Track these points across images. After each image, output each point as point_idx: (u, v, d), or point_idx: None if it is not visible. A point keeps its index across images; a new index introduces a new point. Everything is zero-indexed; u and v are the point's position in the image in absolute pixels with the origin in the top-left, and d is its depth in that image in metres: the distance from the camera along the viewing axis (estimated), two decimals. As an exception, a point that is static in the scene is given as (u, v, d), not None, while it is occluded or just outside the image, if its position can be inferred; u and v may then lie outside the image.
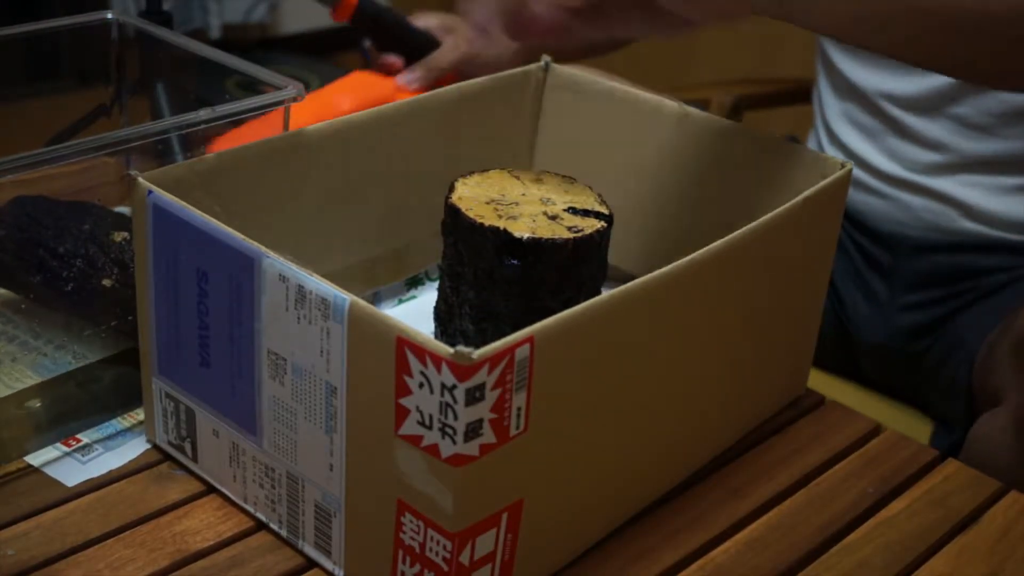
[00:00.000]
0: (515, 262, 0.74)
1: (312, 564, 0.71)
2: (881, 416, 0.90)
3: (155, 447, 0.78)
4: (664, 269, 0.67)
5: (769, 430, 0.86)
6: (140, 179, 0.71)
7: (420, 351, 0.59)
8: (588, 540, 0.73)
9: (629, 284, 0.66)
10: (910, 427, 1.04)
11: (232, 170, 0.76)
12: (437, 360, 0.58)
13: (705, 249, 0.70)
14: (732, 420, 0.83)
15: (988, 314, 1.05)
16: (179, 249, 0.70)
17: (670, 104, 0.89)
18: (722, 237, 0.71)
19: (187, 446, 0.75)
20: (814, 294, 0.86)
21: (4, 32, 0.92)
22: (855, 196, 1.13)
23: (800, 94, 1.42)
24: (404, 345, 0.59)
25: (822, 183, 0.78)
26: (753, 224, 0.73)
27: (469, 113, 0.91)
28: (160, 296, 0.72)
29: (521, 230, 0.74)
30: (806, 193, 0.77)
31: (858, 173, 1.13)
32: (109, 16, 0.97)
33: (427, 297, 0.93)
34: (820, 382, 1.05)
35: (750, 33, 2.45)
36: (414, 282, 0.95)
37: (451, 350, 0.57)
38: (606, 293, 0.65)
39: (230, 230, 0.67)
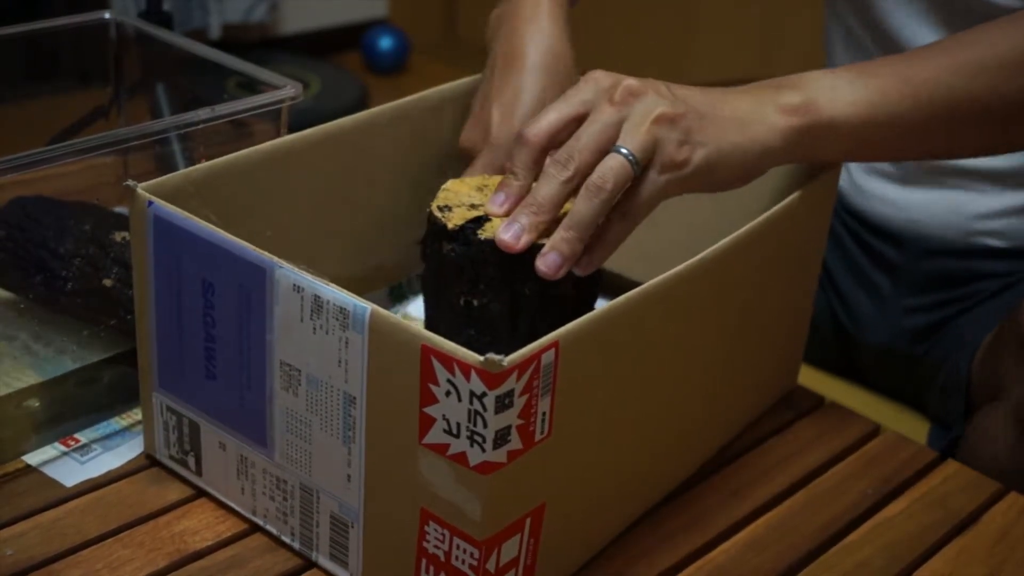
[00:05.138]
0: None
1: (311, 564, 0.71)
2: (881, 417, 0.90)
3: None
4: (675, 270, 0.68)
5: (769, 431, 0.86)
6: (139, 190, 0.70)
7: (447, 359, 0.59)
8: (604, 539, 0.74)
9: (644, 286, 0.66)
10: (909, 428, 1.04)
11: (226, 178, 0.76)
12: (466, 368, 0.58)
13: (711, 249, 0.70)
14: (734, 413, 0.84)
15: (989, 314, 1.05)
16: (183, 261, 0.69)
17: None
18: (713, 235, 0.72)
19: (190, 460, 0.75)
20: (807, 287, 0.88)
21: (4, 32, 0.92)
22: (869, 192, 1.12)
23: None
24: (430, 354, 0.59)
25: (816, 179, 0.80)
26: (755, 223, 0.74)
27: (454, 114, 0.91)
28: (162, 308, 0.72)
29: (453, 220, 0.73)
30: (800, 190, 0.78)
31: (875, 167, 1.12)
32: (107, 16, 0.97)
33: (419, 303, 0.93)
34: (820, 382, 1.05)
35: (750, 32, 2.46)
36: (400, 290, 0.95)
37: (481, 358, 0.57)
38: (623, 296, 0.65)
39: (240, 241, 0.66)
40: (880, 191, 1.10)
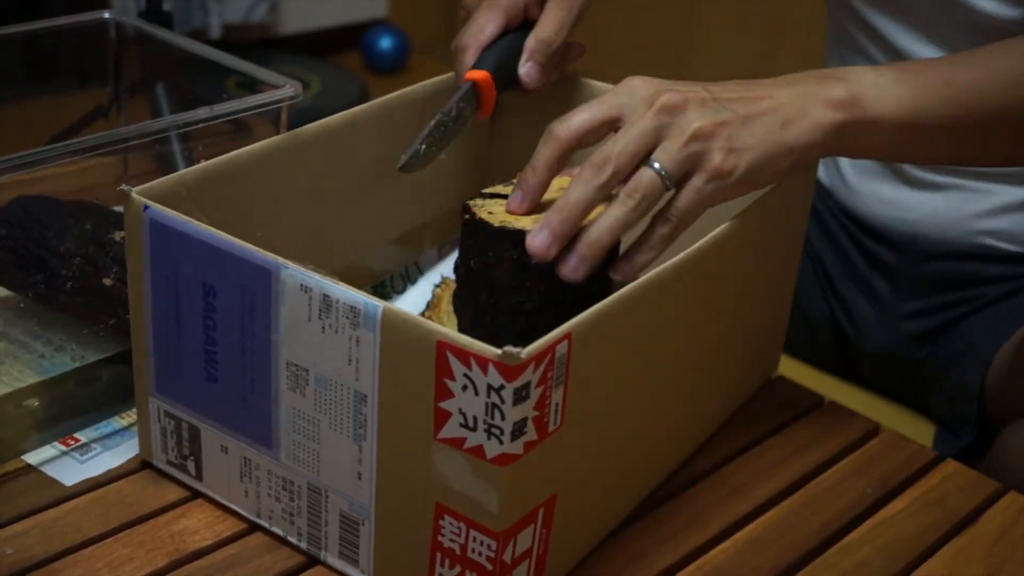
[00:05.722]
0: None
1: (313, 562, 0.71)
2: (880, 417, 0.90)
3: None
4: (675, 260, 0.69)
5: (768, 430, 0.86)
6: (134, 194, 0.70)
7: (464, 354, 0.59)
8: (610, 526, 0.74)
9: (648, 276, 0.67)
10: (909, 428, 1.04)
11: (217, 180, 0.76)
12: (483, 362, 0.58)
13: (707, 238, 0.71)
14: (723, 399, 0.86)
15: (999, 319, 1.05)
16: (181, 264, 0.69)
17: None
18: (697, 226, 0.72)
19: (190, 465, 0.74)
20: (789, 272, 0.89)
21: (4, 32, 0.92)
22: (865, 193, 1.12)
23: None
24: (446, 349, 0.59)
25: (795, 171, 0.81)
26: (741, 213, 0.75)
27: (433, 110, 0.91)
28: (159, 313, 0.71)
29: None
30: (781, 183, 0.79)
31: (872, 170, 1.12)
32: (107, 16, 0.97)
33: (414, 294, 0.93)
34: (819, 383, 1.05)
35: (750, 32, 2.46)
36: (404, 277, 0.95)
37: (498, 351, 0.58)
38: (629, 285, 0.66)
39: (243, 243, 0.66)
40: (877, 192, 1.10)
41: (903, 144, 0.80)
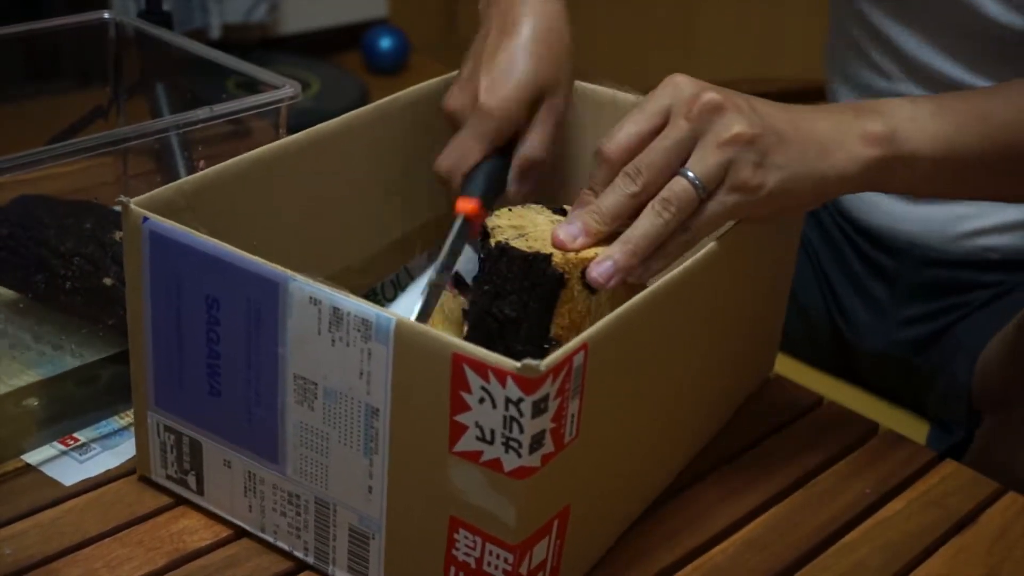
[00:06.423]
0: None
1: (309, 564, 0.71)
2: (879, 417, 0.90)
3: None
4: (682, 268, 0.68)
5: (767, 430, 0.86)
6: (133, 206, 0.68)
7: (481, 367, 0.58)
8: (618, 532, 0.74)
9: (657, 284, 0.66)
10: (908, 428, 1.04)
11: (215, 189, 0.75)
12: (501, 375, 0.58)
13: (709, 246, 0.71)
14: (724, 403, 0.86)
15: (982, 322, 1.05)
16: (183, 277, 0.68)
17: (624, 96, 0.89)
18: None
19: (191, 479, 0.74)
20: (785, 274, 0.89)
21: (4, 32, 0.92)
22: (870, 203, 1.12)
23: (800, 94, 1.41)
24: (462, 361, 0.59)
25: None
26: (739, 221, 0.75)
27: (427, 114, 0.91)
28: (159, 325, 0.70)
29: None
30: None
31: None
32: (107, 16, 0.97)
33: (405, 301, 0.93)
34: (818, 383, 1.05)
35: (750, 33, 2.46)
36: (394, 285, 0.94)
37: (517, 364, 0.57)
38: (640, 295, 0.65)
39: (248, 254, 0.65)
40: (881, 204, 1.10)
41: (938, 180, 0.78)
